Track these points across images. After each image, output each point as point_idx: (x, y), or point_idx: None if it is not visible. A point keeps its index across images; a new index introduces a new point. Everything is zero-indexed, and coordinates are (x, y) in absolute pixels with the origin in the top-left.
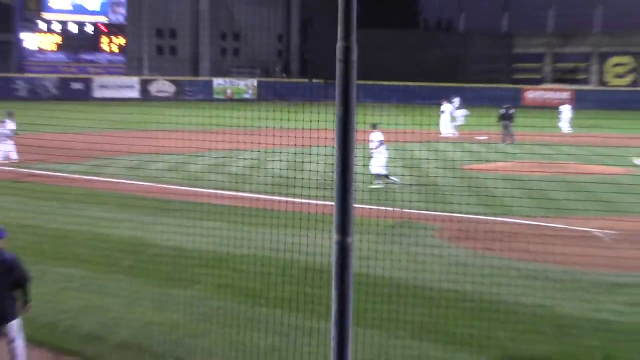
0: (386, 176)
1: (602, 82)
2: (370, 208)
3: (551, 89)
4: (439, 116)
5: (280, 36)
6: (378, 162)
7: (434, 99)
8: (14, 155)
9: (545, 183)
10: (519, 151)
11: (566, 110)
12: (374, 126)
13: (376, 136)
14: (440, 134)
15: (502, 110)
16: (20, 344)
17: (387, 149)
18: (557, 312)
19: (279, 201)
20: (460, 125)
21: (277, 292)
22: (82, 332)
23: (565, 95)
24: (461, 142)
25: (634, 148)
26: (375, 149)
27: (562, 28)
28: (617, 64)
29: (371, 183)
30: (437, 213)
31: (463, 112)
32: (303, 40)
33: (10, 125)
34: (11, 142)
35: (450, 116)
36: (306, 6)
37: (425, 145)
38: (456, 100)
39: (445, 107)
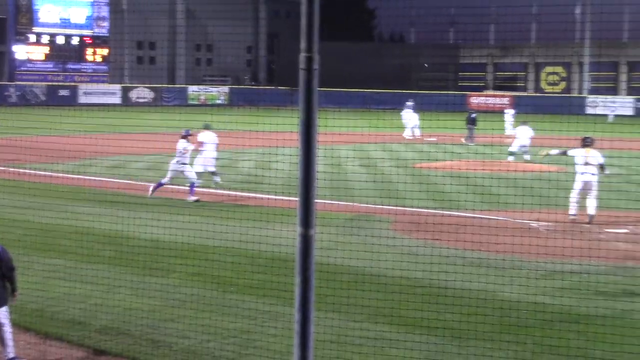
0: (212, 173)
1: (538, 89)
2: (331, 203)
3: (493, 95)
4: (400, 119)
5: (249, 48)
6: (202, 162)
7: (389, 104)
8: None
9: (489, 180)
10: (464, 151)
11: (509, 114)
12: (206, 127)
13: (205, 136)
14: (406, 135)
15: (469, 115)
16: (8, 329)
17: (217, 150)
18: (499, 297)
19: (248, 197)
20: (416, 128)
21: (246, 280)
22: (66, 317)
23: (505, 100)
24: (413, 143)
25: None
26: (201, 149)
27: (502, 41)
28: (551, 73)
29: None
30: (391, 207)
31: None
32: (270, 51)
33: None
34: None
35: (412, 120)
36: (273, 21)
37: (381, 146)
38: (410, 105)
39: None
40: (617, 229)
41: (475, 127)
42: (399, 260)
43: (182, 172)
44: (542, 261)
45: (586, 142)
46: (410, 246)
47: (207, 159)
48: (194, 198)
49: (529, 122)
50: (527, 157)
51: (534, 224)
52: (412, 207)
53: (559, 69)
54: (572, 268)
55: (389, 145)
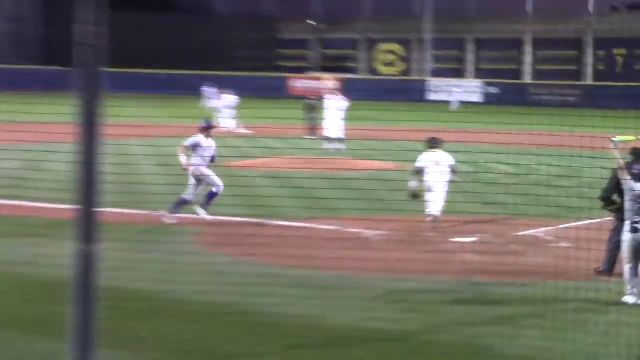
0: None
1: (372, 71)
2: (121, 212)
3: (318, 78)
4: (209, 107)
5: (12, 18)
6: None
7: (192, 89)
8: None
9: (314, 181)
10: (284, 146)
11: (336, 102)
12: None
13: None
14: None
15: (308, 102)
16: None
17: None
18: (326, 324)
19: (11, 205)
20: (228, 118)
21: (9, 310)
22: None
23: (333, 84)
24: (223, 137)
25: (406, 142)
26: None
27: (329, 13)
28: (387, 52)
29: None
30: (196, 216)
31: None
32: (42, 23)
33: None
34: None
35: (223, 108)
36: None
37: (184, 140)
38: (213, 90)
39: (220, 98)
40: (463, 238)
41: (317, 117)
42: (204, 281)
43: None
44: (379, 278)
45: (433, 144)
46: (220, 263)
47: None
48: (201, 213)
49: (360, 110)
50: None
51: (368, 234)
52: (222, 215)
53: (396, 47)
54: (412, 286)
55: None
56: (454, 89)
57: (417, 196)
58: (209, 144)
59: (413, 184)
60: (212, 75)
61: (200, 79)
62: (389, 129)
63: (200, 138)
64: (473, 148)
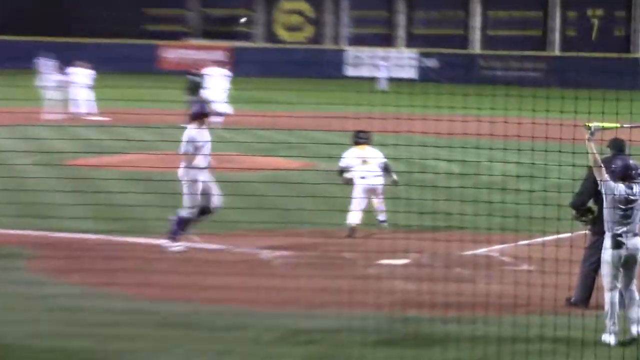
0: None
1: (271, 37)
2: None
3: (200, 47)
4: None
5: None
6: None
7: (27, 60)
8: None
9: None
10: (154, 137)
11: (220, 77)
12: None
13: None
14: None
15: (193, 77)
16: None
17: None
18: None
19: None
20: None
21: None
22: None
23: (219, 55)
24: (69, 125)
25: (317, 133)
26: None
27: None
28: (291, 12)
29: None
30: (30, 232)
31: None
32: None
33: None
34: None
35: (52, 87)
36: None
37: (13, 129)
38: (51, 63)
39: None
40: (393, 259)
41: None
42: (45, 320)
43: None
44: (281, 314)
45: (359, 138)
46: (65, 297)
47: None
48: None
49: (255, 88)
50: None
51: (267, 255)
52: (67, 231)
53: (303, 6)
54: (325, 324)
55: (29, 129)
56: (381, 62)
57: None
58: (204, 137)
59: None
60: (53, 43)
61: (35, 47)
62: (293, 115)
63: (192, 131)
64: (404, 140)
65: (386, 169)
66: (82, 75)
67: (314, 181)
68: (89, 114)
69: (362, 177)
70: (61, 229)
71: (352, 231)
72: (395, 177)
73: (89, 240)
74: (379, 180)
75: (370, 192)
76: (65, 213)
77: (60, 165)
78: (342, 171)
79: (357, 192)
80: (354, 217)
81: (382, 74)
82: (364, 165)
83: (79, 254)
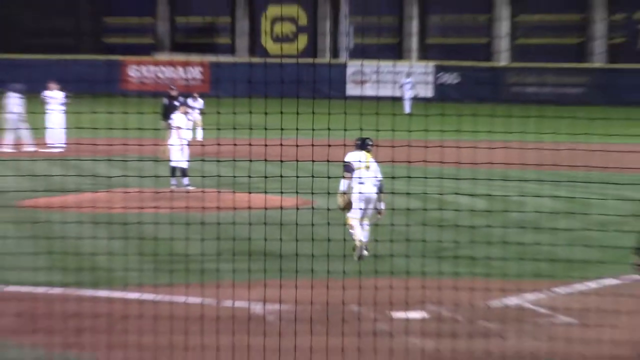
0: None
1: (256, 50)
2: None
3: (172, 63)
4: None
5: None
6: None
7: None
8: None
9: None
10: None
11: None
12: None
13: None
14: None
15: (168, 100)
16: None
17: None
18: None
19: None
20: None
21: None
22: None
23: (196, 72)
24: (14, 159)
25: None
26: None
27: None
28: (281, 19)
29: None
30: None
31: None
32: None
33: None
34: None
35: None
36: None
37: None
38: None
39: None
40: (408, 312)
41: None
42: None
43: None
44: None
45: (366, 145)
46: None
47: None
48: None
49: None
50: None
51: (259, 309)
52: (24, 284)
53: (294, 11)
54: None
55: None
56: (405, 79)
57: (349, 207)
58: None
59: (342, 188)
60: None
61: None
62: (287, 143)
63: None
64: (418, 171)
65: (380, 191)
66: (57, 99)
67: (310, 222)
68: (57, 144)
69: (361, 183)
70: (18, 281)
71: (359, 250)
72: (382, 205)
73: (49, 294)
74: (374, 190)
75: (367, 201)
76: (22, 263)
77: (8, 207)
78: (347, 167)
79: (354, 200)
80: (356, 234)
81: (407, 93)
82: (366, 171)
83: (39, 310)
